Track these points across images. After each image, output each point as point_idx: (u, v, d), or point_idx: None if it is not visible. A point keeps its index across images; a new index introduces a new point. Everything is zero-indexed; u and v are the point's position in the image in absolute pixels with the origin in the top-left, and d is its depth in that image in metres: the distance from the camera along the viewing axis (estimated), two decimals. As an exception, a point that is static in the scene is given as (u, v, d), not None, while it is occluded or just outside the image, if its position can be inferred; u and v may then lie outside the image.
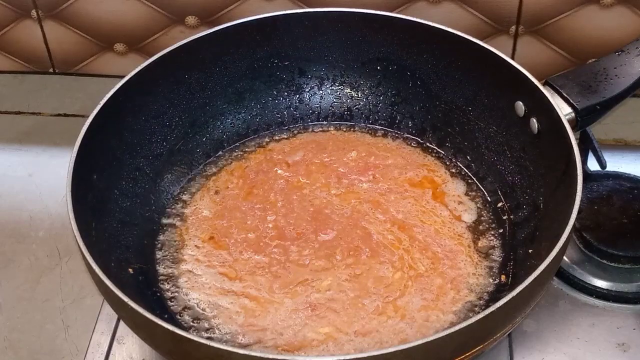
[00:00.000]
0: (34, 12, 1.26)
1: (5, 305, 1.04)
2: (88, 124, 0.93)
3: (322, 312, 0.91)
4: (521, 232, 0.97)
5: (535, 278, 0.79)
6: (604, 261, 1.00)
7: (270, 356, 0.73)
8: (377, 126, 1.12)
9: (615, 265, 1.00)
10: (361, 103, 1.13)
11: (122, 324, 0.97)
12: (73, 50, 1.30)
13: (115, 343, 0.96)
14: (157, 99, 1.05)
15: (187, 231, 1.00)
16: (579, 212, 0.84)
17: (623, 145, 1.19)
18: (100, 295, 0.91)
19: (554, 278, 1.00)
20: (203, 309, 0.92)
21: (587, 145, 1.03)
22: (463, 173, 1.06)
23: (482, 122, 1.05)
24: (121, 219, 0.97)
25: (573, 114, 0.94)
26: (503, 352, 0.95)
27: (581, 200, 0.84)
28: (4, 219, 1.13)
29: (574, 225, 0.83)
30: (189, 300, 0.93)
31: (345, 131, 1.12)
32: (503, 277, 0.95)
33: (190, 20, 1.24)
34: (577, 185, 0.86)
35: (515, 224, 0.99)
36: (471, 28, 1.20)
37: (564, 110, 0.94)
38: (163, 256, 0.98)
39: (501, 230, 1.00)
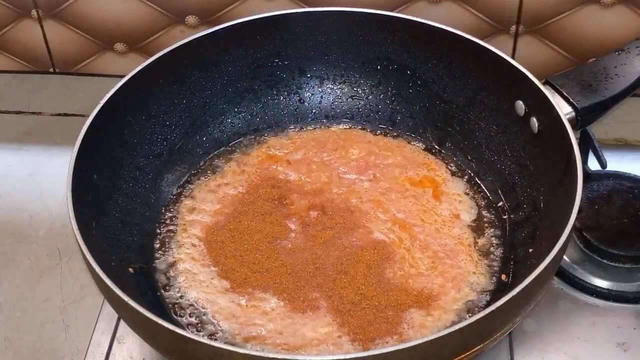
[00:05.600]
0: (34, 12, 1.26)
1: (6, 305, 1.04)
2: (88, 123, 0.93)
3: (321, 311, 0.91)
4: (521, 231, 0.97)
5: (536, 277, 0.79)
6: (605, 261, 1.00)
7: (270, 355, 0.73)
8: (377, 125, 1.12)
9: (616, 264, 1.00)
10: (361, 102, 1.13)
11: (122, 323, 0.97)
12: (73, 49, 1.30)
13: (115, 342, 0.97)
14: (157, 99, 1.05)
15: (186, 230, 1.00)
16: (579, 212, 0.84)
17: (623, 145, 1.19)
18: (100, 295, 0.91)
19: (555, 277, 1.00)
20: (203, 308, 0.92)
21: (588, 144, 1.03)
22: (463, 172, 1.06)
23: (483, 122, 1.05)
24: (121, 219, 0.97)
25: (573, 113, 0.95)
26: (503, 351, 0.95)
27: (581, 200, 0.84)
28: (4, 219, 1.13)
29: (574, 225, 0.83)
30: (189, 299, 0.93)
31: (345, 130, 1.12)
32: (503, 277, 0.95)
33: (191, 19, 1.24)
34: (577, 184, 0.86)
35: (516, 223, 0.99)
36: (471, 27, 1.20)
37: (564, 109, 0.94)
38: (163, 255, 0.98)
39: (501, 230, 1.00)
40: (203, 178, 1.07)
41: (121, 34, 1.27)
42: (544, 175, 0.96)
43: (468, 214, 1.01)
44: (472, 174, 1.06)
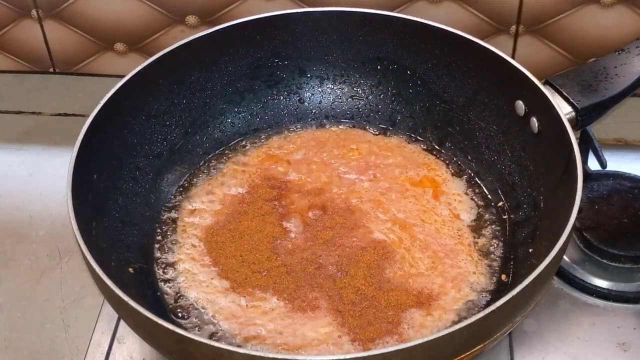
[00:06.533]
0: (34, 12, 1.26)
1: (6, 305, 1.04)
2: (88, 123, 0.93)
3: (321, 311, 0.91)
4: (521, 231, 0.97)
5: (536, 277, 0.79)
6: (605, 261, 1.01)
7: (270, 355, 0.73)
8: (377, 125, 1.12)
9: (616, 264, 1.00)
10: (361, 102, 1.13)
11: (122, 323, 0.97)
12: (73, 49, 1.30)
13: (115, 342, 0.97)
14: (157, 99, 1.05)
15: (186, 230, 1.00)
16: (579, 212, 0.84)
17: (623, 145, 1.19)
18: (100, 295, 0.91)
19: (555, 277, 1.00)
20: (203, 308, 0.92)
21: (588, 144, 1.03)
22: (463, 172, 1.06)
23: (483, 122, 1.05)
24: (121, 219, 0.97)
25: (573, 113, 0.95)
26: (503, 351, 0.95)
27: (581, 200, 0.84)
28: (4, 219, 1.13)
29: (574, 225, 0.83)
30: (189, 299, 0.93)
31: (345, 130, 1.12)
32: (503, 276, 0.95)
33: (191, 19, 1.24)
34: (577, 184, 0.86)
35: (516, 223, 0.99)
36: (471, 27, 1.20)
37: (564, 109, 0.94)
38: (163, 255, 0.98)
39: (501, 230, 1.00)
40: (203, 178, 1.07)
41: (121, 34, 1.27)
42: (544, 175, 0.96)
43: (468, 214, 1.01)
44: (472, 174, 1.06)
